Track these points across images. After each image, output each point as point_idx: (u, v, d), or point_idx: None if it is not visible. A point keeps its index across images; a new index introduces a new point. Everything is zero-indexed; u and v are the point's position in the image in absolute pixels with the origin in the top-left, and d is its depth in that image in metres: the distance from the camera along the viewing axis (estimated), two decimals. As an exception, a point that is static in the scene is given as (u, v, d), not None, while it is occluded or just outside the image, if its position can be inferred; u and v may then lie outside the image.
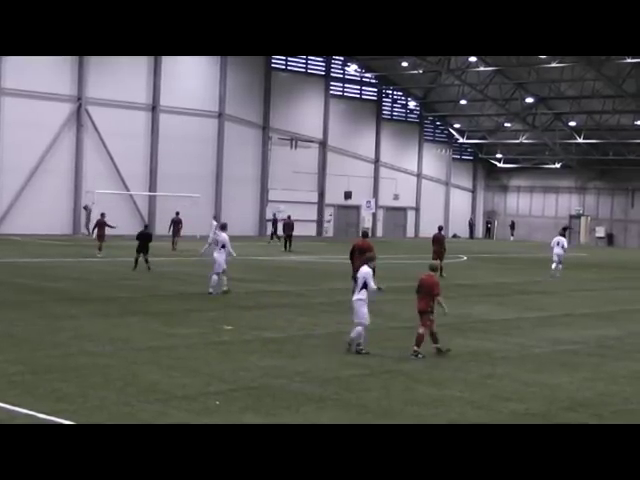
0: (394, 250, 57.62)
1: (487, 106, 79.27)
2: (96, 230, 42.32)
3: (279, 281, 33.46)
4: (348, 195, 75.70)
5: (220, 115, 67.56)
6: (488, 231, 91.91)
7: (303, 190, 73.28)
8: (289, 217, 56.88)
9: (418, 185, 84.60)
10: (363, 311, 18.15)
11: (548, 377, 16.66)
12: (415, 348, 18.16)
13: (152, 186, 63.79)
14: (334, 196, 75.64)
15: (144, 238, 35.41)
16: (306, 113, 74.00)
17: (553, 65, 66.71)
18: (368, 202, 77.13)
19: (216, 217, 55.36)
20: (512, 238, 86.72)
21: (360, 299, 18.22)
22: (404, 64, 73.18)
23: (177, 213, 51.70)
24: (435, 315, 18.53)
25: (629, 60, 63.25)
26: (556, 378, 16.57)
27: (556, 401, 14.64)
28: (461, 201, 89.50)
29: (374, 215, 79.21)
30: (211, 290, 27.68)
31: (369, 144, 79.64)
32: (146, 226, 38.48)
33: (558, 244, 40.65)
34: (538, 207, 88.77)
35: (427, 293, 18.44)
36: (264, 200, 70.94)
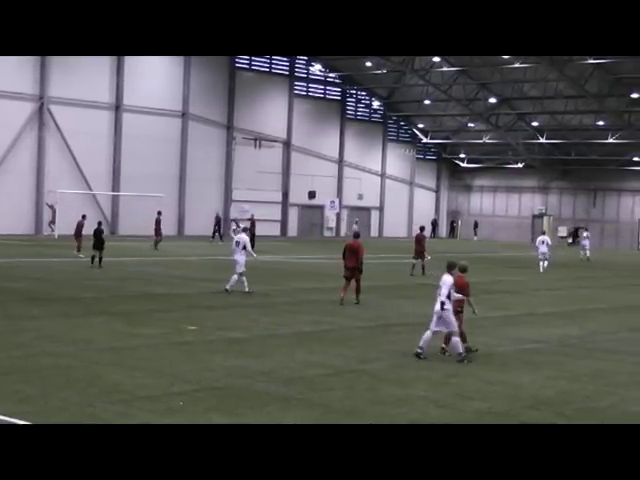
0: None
1: (451, 106, 79.56)
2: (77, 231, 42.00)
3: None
4: (312, 195, 75.74)
5: (184, 115, 67.34)
6: (452, 231, 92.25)
7: (267, 190, 73.17)
8: (252, 216, 56.82)
9: (382, 185, 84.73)
10: (450, 320, 17.95)
11: (511, 376, 16.75)
12: (443, 346, 18.49)
13: (115, 186, 63.46)
14: (298, 196, 75.63)
15: (98, 235, 36.56)
16: (270, 113, 73.90)
17: (516, 65, 67.07)
18: (332, 202, 77.22)
19: (236, 220, 54.99)
20: (475, 238, 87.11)
21: (448, 308, 18.03)
22: (368, 64, 73.29)
23: (159, 213, 51.73)
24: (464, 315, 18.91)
25: (591, 61, 63.72)
26: (519, 377, 16.66)
27: (519, 399, 14.72)
28: (425, 201, 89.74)
29: (338, 215, 79.31)
30: (228, 287, 28.48)
31: (333, 144, 79.66)
32: (99, 223, 38.57)
33: (543, 242, 44.28)
34: (501, 207, 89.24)
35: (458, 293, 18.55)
36: (228, 200, 70.79)
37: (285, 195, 75.38)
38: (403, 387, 15.29)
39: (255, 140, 72.04)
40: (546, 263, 43.65)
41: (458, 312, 18.65)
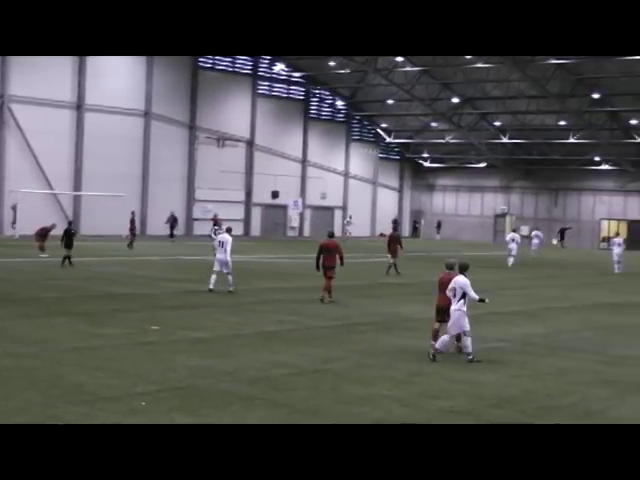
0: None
1: (414, 106, 79.77)
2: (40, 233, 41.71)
3: (207, 281, 33.22)
4: (275, 195, 75.70)
5: (146, 114, 67.03)
6: (415, 230, 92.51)
7: (230, 189, 73.01)
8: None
9: (345, 184, 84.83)
10: (462, 322, 17.93)
11: (475, 375, 16.82)
12: (432, 342, 18.55)
13: (77, 185, 63.02)
14: (261, 195, 75.58)
15: (69, 234, 36.56)
16: (233, 112, 73.73)
17: (479, 65, 67.38)
18: (295, 201, 77.24)
19: (216, 220, 54.64)
20: (438, 237, 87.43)
21: (459, 310, 18.03)
22: (331, 64, 73.35)
23: (133, 212, 51.66)
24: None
25: (553, 61, 64.18)
26: (482, 375, 16.74)
27: (482, 398, 14.78)
28: (388, 200, 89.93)
29: (301, 214, 79.32)
30: (231, 289, 28.76)
31: (296, 143, 79.64)
32: (70, 222, 38.41)
33: (513, 240, 48.70)
34: (464, 206, 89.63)
35: (446, 289, 18.67)
36: (191, 199, 70.58)
37: (248, 195, 75.25)
38: (367, 386, 15.30)
39: (218, 140, 71.88)
40: (511, 260, 47.21)
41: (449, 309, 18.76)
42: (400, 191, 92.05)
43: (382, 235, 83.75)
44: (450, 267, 19.30)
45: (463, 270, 18.57)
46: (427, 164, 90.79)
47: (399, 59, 70.31)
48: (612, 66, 64.97)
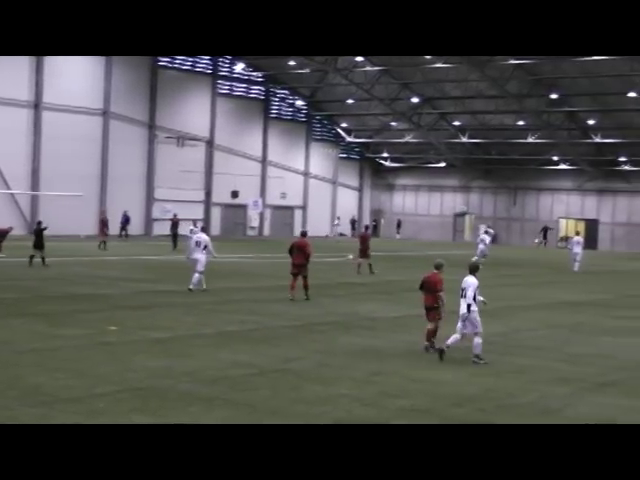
0: (281, 249, 57.60)
1: (373, 105, 79.90)
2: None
3: (167, 281, 33.15)
4: (235, 194, 75.54)
5: (105, 113, 66.58)
6: (374, 229, 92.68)
7: (190, 189, 72.74)
8: (175, 215, 56.51)
9: (305, 184, 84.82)
10: (477, 322, 18.15)
11: (435, 373, 16.89)
12: (426, 343, 19.07)
13: (35, 185, 62.45)
14: (221, 195, 75.35)
15: (39, 234, 36.63)
16: (193, 111, 73.47)
17: (438, 65, 67.63)
18: (255, 201, 77.10)
19: (195, 222, 54.38)
20: (398, 236, 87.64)
21: (475, 310, 18.18)
22: (291, 63, 73.30)
23: (104, 212, 51.55)
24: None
25: (512, 61, 64.59)
26: (442, 374, 16.81)
27: (442, 397, 14.84)
28: (348, 200, 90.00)
29: (261, 214, 79.22)
30: (191, 287, 29.16)
31: (257, 143, 79.50)
32: (39, 222, 38.24)
33: (481, 241, 50.59)
34: (424, 206, 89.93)
35: (430, 290, 19.14)
36: (150, 199, 70.24)
37: (208, 194, 75.01)
38: (327, 386, 15.31)
39: (178, 139, 71.56)
40: (477, 257, 46.85)
41: (435, 307, 19.17)
42: (360, 190, 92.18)
43: (341, 235, 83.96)
44: (438, 267, 19.67)
45: (473, 271, 18.77)
46: (387, 164, 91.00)
47: (359, 59, 70.42)
48: (570, 67, 65.52)
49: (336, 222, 78.85)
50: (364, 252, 40.04)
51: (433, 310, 19.15)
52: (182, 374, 15.76)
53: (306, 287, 28.42)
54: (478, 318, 18.23)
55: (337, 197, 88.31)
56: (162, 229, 65.39)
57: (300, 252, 28.63)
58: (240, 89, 78.60)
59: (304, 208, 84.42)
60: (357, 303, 28.37)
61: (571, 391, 15.88)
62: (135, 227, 66.55)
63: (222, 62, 75.65)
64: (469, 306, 18.11)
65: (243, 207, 77.55)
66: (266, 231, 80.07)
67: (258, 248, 54.34)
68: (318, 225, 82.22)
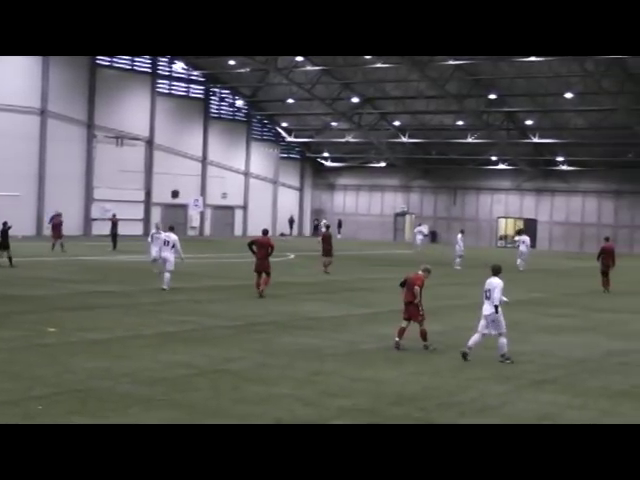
0: (222, 249, 57.56)
1: (314, 105, 79.98)
2: None
3: (106, 281, 32.88)
4: (175, 194, 75.21)
5: (43, 112, 65.83)
6: (315, 229, 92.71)
7: (129, 189, 72.19)
8: (114, 215, 56.09)
9: (246, 184, 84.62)
10: (501, 323, 18.51)
11: (375, 372, 16.94)
12: (397, 339, 19.65)
13: (-30, 185, 61.58)
14: (161, 195, 74.93)
15: (4, 234, 36.71)
16: (132, 111, 72.93)
17: (378, 65, 67.86)
18: (196, 201, 76.78)
19: (157, 224, 53.78)
20: (339, 236, 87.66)
21: (500, 312, 18.55)
22: (232, 62, 73.10)
23: (59, 214, 51.16)
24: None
25: (452, 62, 65.01)
26: (383, 373, 16.87)
27: (383, 396, 14.89)
28: (289, 199, 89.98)
29: (202, 214, 78.91)
30: (165, 287, 29.67)
31: (197, 142, 79.13)
32: (4, 223, 37.77)
33: (457, 243, 49.90)
34: (364, 205, 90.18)
35: (410, 287, 19.88)
36: (89, 199, 69.58)
37: (148, 194, 74.52)
38: (268, 386, 15.29)
39: (117, 138, 71.00)
40: (458, 260, 48.34)
41: (414, 303, 19.82)
42: (301, 190, 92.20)
43: (283, 235, 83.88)
44: (425, 270, 20.38)
45: (497, 272, 19.29)
46: (328, 163, 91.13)
47: (299, 59, 70.41)
48: (508, 68, 66.20)
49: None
50: (328, 251, 41.27)
51: (411, 305, 19.78)
52: (121, 375, 15.63)
53: (265, 283, 29.22)
54: (502, 319, 18.59)
55: (278, 197, 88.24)
56: (101, 229, 64.79)
57: (262, 248, 29.66)
58: (180, 88, 78.19)
59: (245, 208, 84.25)
60: (298, 303, 28.37)
61: (509, 388, 16.04)
62: (74, 227, 65.81)
63: (162, 61, 75.19)
64: (496, 307, 18.52)
65: (184, 207, 77.16)
66: (207, 231, 79.79)
67: (199, 248, 54.06)
68: (259, 225, 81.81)
